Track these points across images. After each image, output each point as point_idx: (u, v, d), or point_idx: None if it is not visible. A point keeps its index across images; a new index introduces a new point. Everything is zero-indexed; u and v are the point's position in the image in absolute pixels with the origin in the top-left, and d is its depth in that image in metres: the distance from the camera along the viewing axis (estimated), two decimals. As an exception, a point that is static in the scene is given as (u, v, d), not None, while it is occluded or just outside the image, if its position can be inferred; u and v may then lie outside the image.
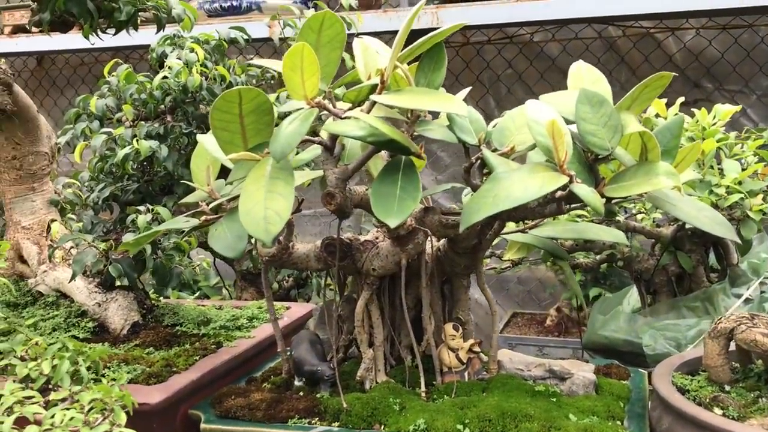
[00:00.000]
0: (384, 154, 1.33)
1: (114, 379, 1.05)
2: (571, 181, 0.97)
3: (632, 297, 1.97)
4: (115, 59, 2.04)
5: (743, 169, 1.65)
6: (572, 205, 1.10)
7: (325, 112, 1.09)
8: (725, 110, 1.73)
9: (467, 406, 1.18)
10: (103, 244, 1.52)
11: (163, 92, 2.05)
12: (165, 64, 2.06)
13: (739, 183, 1.64)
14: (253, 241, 1.63)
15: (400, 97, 1.01)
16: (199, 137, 1.23)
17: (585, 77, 1.19)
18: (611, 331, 1.79)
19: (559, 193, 1.03)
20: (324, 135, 1.13)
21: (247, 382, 1.39)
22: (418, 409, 1.17)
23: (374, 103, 1.06)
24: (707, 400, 1.13)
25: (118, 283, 1.57)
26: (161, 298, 1.82)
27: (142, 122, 2.16)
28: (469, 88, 1.28)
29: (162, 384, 1.27)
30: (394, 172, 1.03)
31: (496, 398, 1.19)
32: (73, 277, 1.47)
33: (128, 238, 1.50)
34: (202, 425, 1.22)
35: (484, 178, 1.16)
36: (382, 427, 1.16)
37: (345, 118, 1.05)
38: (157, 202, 2.00)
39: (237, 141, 1.11)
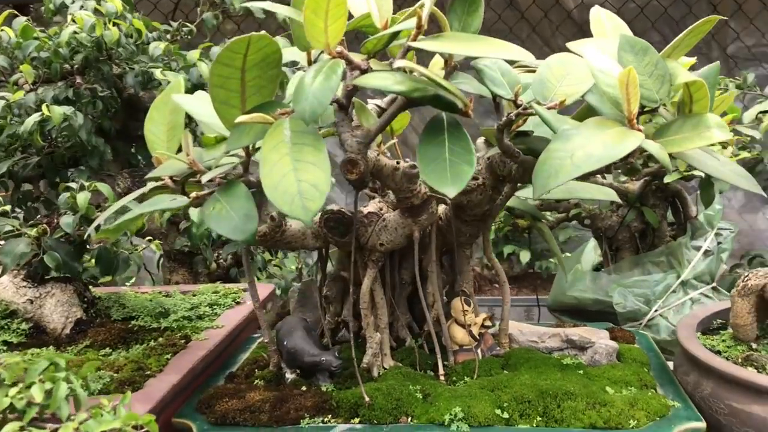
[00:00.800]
0: (372, 105, 1.18)
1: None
2: (639, 138, 0.87)
3: (590, 254, 1.95)
4: (10, 11, 1.73)
5: (708, 122, 1.64)
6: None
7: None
8: (685, 62, 1.71)
9: (498, 387, 1.07)
10: (34, 230, 1.27)
11: (71, 49, 1.77)
12: (69, 16, 1.79)
13: (705, 135, 1.62)
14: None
15: (443, 42, 0.87)
16: (177, 98, 1.02)
17: (606, 24, 1.10)
18: (579, 291, 1.76)
19: (613, 150, 0.94)
20: (339, 92, 0.97)
21: (227, 378, 1.22)
22: (447, 395, 1.05)
23: (407, 50, 0.91)
24: (740, 359, 1.09)
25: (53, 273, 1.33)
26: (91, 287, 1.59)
27: (44, 85, 1.87)
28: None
29: (141, 392, 1.07)
30: (438, 132, 0.89)
31: (527, 376, 1.10)
32: (3, 272, 1.22)
33: (66, 221, 1.27)
34: (197, 436, 1.05)
35: (512, 138, 1.05)
36: (410, 419, 1.04)
37: (368, 70, 0.90)
38: (63, 177, 1.74)
39: (234, 100, 0.93)
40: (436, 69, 1.14)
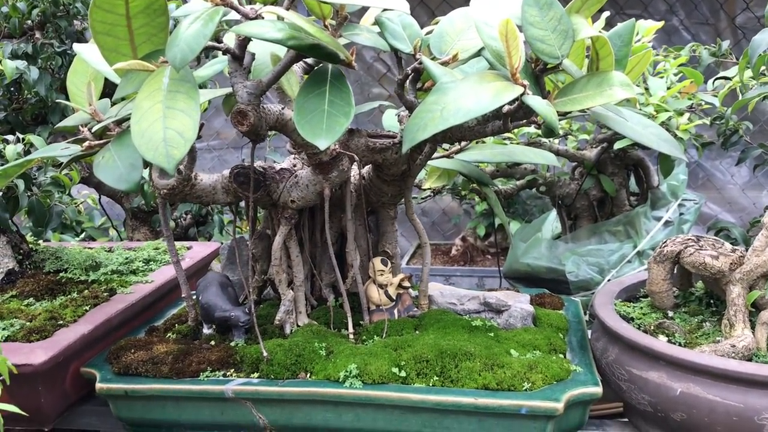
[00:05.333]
0: (297, 69, 1.17)
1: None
2: (524, 93, 0.85)
3: (552, 223, 1.93)
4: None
5: (668, 88, 1.60)
6: (516, 123, 0.99)
7: (232, 13, 0.91)
8: (649, 26, 1.66)
9: (401, 346, 1.07)
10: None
11: (29, 4, 1.78)
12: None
13: (664, 101, 1.58)
14: (146, 173, 1.43)
15: (326, -9, 0.85)
16: (77, 47, 1.02)
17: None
18: (533, 259, 1.73)
19: (507, 107, 0.91)
20: (231, 41, 0.95)
21: (147, 332, 1.23)
22: (348, 353, 1.05)
23: (293, 0, 0.89)
24: (652, 327, 1.07)
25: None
26: (40, 241, 1.60)
27: (5, 41, 1.88)
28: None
29: (46, 340, 1.08)
30: (321, 83, 0.88)
31: (432, 336, 1.09)
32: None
33: (-7, 172, 1.28)
34: (98, 385, 1.06)
35: (418, 94, 1.03)
36: (309, 375, 1.04)
37: (257, 17, 0.88)
38: (30, 133, 1.76)
39: (124, 49, 0.92)
40: (366, 22, 1.12)
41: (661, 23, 1.70)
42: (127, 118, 1.00)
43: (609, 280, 1.65)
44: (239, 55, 0.95)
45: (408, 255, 3.08)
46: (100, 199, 2.05)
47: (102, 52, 0.91)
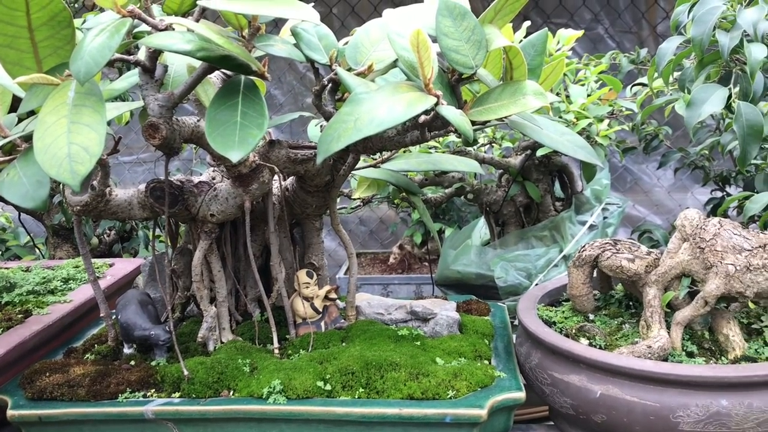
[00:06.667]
0: (216, 80, 1.15)
1: None
2: (438, 103, 0.85)
3: (481, 230, 1.95)
4: None
5: (588, 95, 1.64)
6: (434, 133, 0.99)
7: (143, 25, 0.89)
8: (569, 35, 1.70)
9: (327, 359, 1.06)
10: None
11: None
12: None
13: (584, 109, 1.62)
14: (61, 188, 1.39)
15: (231, 2, 0.83)
16: (-22, 59, 0.97)
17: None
18: (463, 266, 1.75)
19: (423, 117, 0.92)
20: (142, 53, 0.93)
21: (65, 354, 1.18)
22: (272, 368, 1.03)
23: (203, 10, 0.88)
24: (573, 331, 1.09)
25: None
26: (-48, 262, 1.53)
27: None
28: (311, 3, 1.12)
29: (-47, 368, 1.03)
30: (233, 95, 0.86)
31: (358, 348, 1.08)
32: None
33: None
34: (9, 412, 1.01)
35: (337, 105, 1.02)
36: (231, 393, 1.02)
37: (167, 29, 0.86)
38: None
39: (28, 62, 0.89)
40: (284, 34, 1.11)
41: (581, 32, 1.75)
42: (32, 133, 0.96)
43: (536, 285, 1.68)
44: (150, 67, 0.92)
45: (346, 265, 3.07)
46: (20, 216, 1.97)
47: (3, 65, 0.88)
